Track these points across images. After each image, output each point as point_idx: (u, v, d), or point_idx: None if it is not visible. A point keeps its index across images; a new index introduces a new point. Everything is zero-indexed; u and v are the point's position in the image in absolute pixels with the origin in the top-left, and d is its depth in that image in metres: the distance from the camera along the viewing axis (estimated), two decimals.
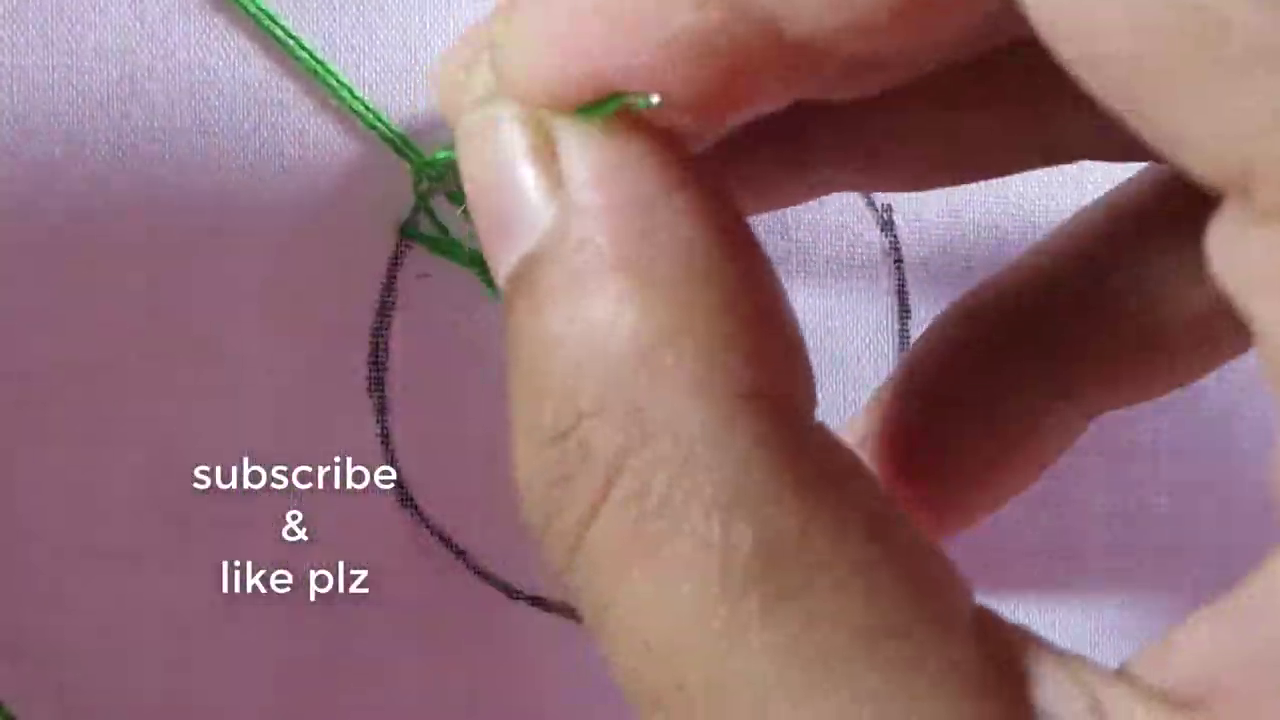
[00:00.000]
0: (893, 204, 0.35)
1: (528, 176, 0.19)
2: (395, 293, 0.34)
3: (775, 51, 0.16)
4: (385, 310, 0.34)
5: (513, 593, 0.34)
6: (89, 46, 0.33)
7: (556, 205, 0.18)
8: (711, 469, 0.17)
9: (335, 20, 0.34)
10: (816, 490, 0.17)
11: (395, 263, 0.34)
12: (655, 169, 0.18)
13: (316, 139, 0.34)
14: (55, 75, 0.33)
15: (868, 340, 0.35)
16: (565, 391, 0.18)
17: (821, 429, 0.19)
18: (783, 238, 0.34)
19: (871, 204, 0.35)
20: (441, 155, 0.33)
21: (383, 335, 0.34)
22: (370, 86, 0.34)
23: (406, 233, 0.34)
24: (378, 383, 0.34)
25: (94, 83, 0.33)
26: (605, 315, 0.17)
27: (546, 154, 0.19)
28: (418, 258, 0.34)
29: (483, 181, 0.20)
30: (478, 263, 0.34)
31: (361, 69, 0.34)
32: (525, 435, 0.19)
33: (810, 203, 0.34)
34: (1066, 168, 0.33)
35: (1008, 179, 0.34)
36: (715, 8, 0.16)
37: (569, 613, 0.34)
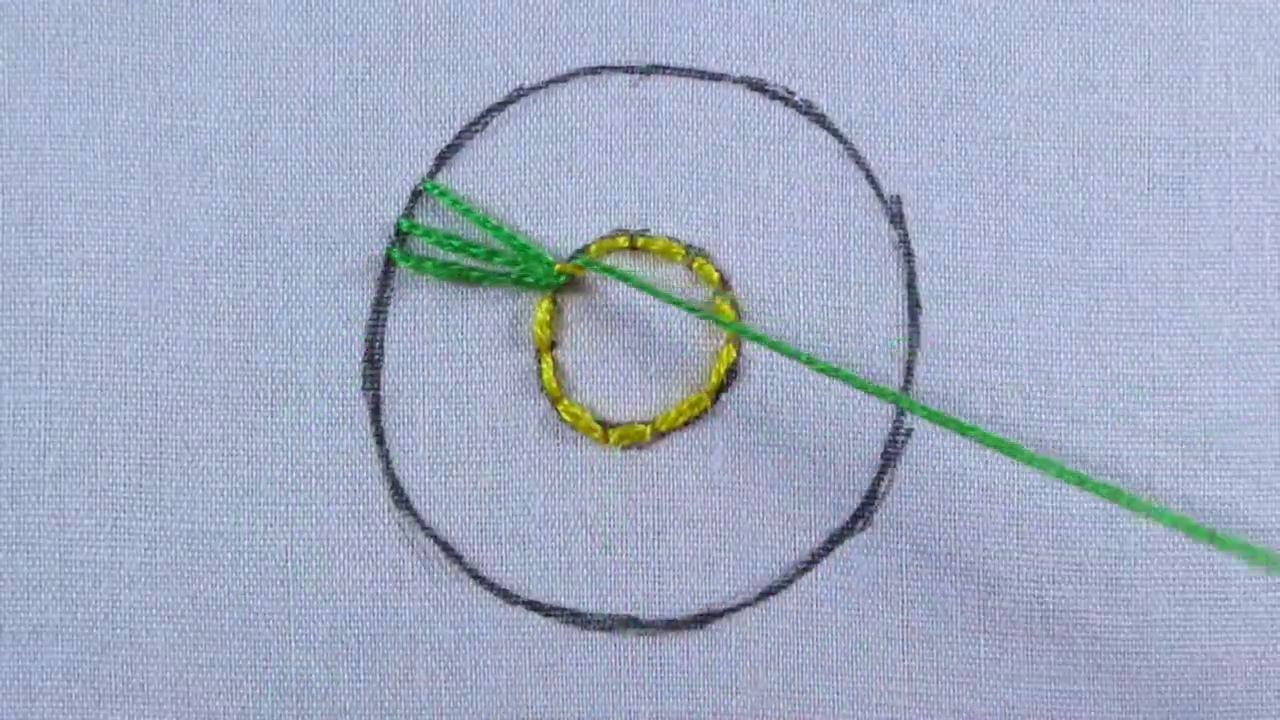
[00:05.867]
0: (901, 196, 0.34)
1: None
2: (390, 289, 0.34)
3: None
4: (380, 306, 0.34)
5: (510, 597, 0.34)
6: None
7: None
8: None
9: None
10: None
11: (390, 260, 0.34)
12: None
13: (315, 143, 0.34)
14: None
15: (880, 335, 0.34)
16: None
17: None
18: (788, 231, 0.34)
19: (880, 196, 0.34)
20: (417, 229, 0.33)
21: (378, 332, 0.34)
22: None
23: (405, 227, 0.34)
24: (372, 380, 0.34)
25: None
26: None
27: None
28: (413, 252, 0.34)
29: None
30: (483, 254, 0.34)
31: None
32: None
33: (813, 196, 0.33)
34: (1071, 166, 0.33)
35: (1014, 173, 0.34)
36: None
37: (566, 617, 0.33)
